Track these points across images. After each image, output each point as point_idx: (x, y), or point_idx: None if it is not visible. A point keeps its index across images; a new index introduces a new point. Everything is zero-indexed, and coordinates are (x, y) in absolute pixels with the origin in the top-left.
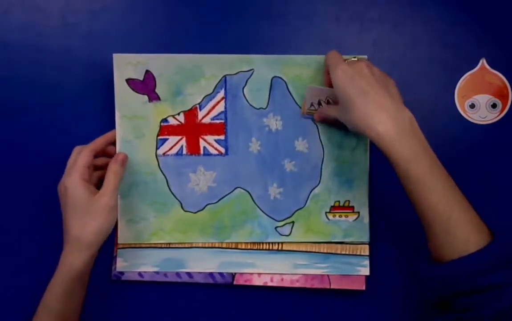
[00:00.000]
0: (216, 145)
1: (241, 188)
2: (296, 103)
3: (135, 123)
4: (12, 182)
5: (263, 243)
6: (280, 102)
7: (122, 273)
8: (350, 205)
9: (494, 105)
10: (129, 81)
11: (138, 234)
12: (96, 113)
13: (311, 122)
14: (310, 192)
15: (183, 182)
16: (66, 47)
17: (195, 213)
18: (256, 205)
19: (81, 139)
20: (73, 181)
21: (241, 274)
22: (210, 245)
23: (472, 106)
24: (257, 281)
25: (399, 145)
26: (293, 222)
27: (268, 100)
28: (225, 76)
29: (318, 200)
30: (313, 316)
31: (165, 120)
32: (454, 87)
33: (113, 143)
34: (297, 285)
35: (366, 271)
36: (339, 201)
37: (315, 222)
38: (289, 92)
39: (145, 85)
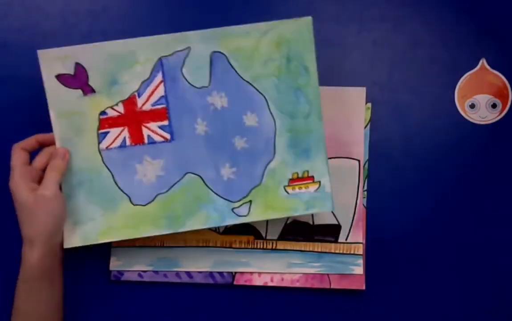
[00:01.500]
0: (160, 132)
1: (191, 173)
2: (240, 76)
3: (72, 120)
4: None
5: (257, 241)
6: (223, 78)
7: (121, 273)
8: (310, 175)
9: (494, 105)
10: (60, 77)
11: (85, 235)
12: None
13: (258, 94)
14: (265, 167)
15: (130, 174)
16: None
17: (145, 205)
18: (209, 188)
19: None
20: (14, 182)
21: (241, 274)
22: (205, 244)
23: (472, 106)
24: (257, 281)
25: None
26: (250, 201)
27: (209, 77)
28: (160, 58)
29: (275, 174)
30: (313, 316)
31: (103, 112)
32: (454, 87)
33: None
34: (297, 285)
35: (360, 270)
36: (297, 173)
37: (274, 198)
38: (231, 66)
39: (77, 79)
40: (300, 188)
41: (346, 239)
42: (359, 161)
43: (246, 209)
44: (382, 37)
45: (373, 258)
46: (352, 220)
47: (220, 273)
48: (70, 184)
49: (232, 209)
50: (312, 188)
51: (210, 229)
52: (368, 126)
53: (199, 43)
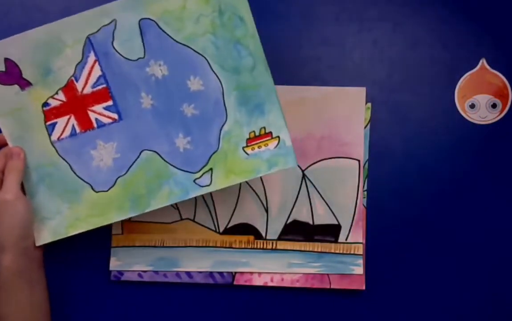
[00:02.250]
0: (107, 113)
1: (146, 149)
2: (174, 40)
3: (17, 117)
4: None
5: (257, 241)
6: (157, 45)
7: (121, 273)
8: (267, 131)
9: (494, 105)
10: None
11: (54, 230)
12: None
13: (197, 55)
14: (220, 130)
15: (87, 162)
16: None
17: (108, 191)
18: (167, 162)
19: None
20: None
21: (241, 274)
22: (205, 244)
23: (472, 106)
24: (257, 281)
25: None
26: (211, 169)
27: (143, 47)
28: (88, 37)
29: (231, 136)
30: (313, 316)
31: (46, 104)
32: (454, 87)
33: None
34: (297, 285)
35: (360, 270)
36: (254, 131)
37: (234, 162)
38: (163, 31)
39: (10, 75)
40: (259, 147)
41: (346, 239)
42: (359, 161)
43: (208, 178)
44: (382, 37)
45: (373, 258)
46: (352, 220)
47: (220, 273)
48: (31, 181)
49: (194, 180)
50: (272, 144)
51: (209, 229)
52: (368, 126)
53: (123, 13)
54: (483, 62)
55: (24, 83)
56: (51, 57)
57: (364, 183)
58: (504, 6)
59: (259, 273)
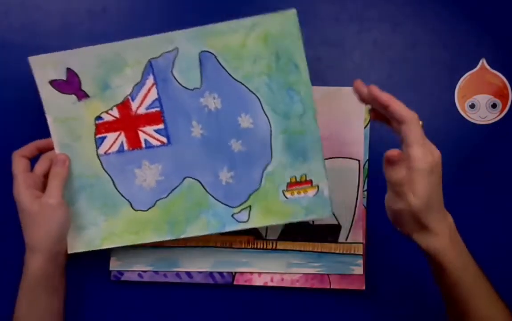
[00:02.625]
0: (156, 136)
1: (190, 177)
2: (231, 76)
3: (69, 126)
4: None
5: (257, 241)
6: (214, 78)
7: (121, 273)
8: (308, 178)
9: (494, 105)
10: (53, 83)
11: (88, 240)
12: None
13: (250, 94)
14: (263, 170)
15: (130, 179)
16: (66, 47)
17: (146, 210)
18: (208, 193)
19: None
20: (16, 189)
21: (241, 274)
22: (205, 244)
23: (472, 106)
24: (257, 281)
25: (451, 255)
26: (250, 206)
27: (201, 78)
28: (150, 60)
29: (273, 177)
30: (313, 316)
31: (99, 117)
32: (454, 87)
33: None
34: (297, 285)
35: (360, 270)
36: (295, 177)
37: (273, 203)
38: (221, 65)
39: (70, 85)
40: (298, 193)
41: (346, 239)
42: (359, 161)
43: (246, 215)
44: (382, 37)
45: (373, 258)
46: (352, 220)
47: (220, 273)
48: (71, 190)
49: (232, 215)
50: (311, 192)
51: None
52: (368, 126)
53: (186, 43)
54: (483, 62)
55: (82, 95)
56: (111, 74)
57: (364, 183)
58: (504, 6)
59: (259, 273)
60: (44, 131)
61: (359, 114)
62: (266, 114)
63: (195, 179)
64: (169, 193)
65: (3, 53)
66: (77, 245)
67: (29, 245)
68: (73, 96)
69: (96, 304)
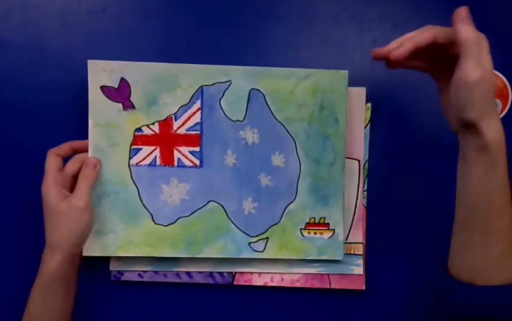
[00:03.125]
0: (190, 157)
1: (214, 201)
2: (274, 116)
3: (108, 132)
4: (11, 182)
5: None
6: (258, 115)
7: (121, 273)
8: (326, 222)
9: None
10: (104, 89)
11: (105, 246)
12: None
13: (288, 136)
14: (286, 207)
15: (156, 193)
16: (66, 47)
17: (166, 226)
18: (230, 219)
19: (80, 139)
20: (45, 186)
21: (241, 274)
22: None
23: None
24: (257, 281)
25: (504, 153)
26: (267, 238)
27: (245, 112)
28: (201, 86)
29: (294, 216)
30: (313, 316)
31: (139, 129)
32: None
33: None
34: (297, 285)
35: (360, 270)
36: (314, 218)
37: (290, 239)
38: (267, 105)
39: (120, 93)
40: (315, 233)
41: (346, 239)
42: (359, 161)
43: (262, 245)
44: (382, 37)
45: (373, 258)
46: (352, 220)
47: (220, 273)
48: (96, 193)
49: (249, 243)
50: (326, 235)
51: None
52: (368, 126)
53: (240, 78)
54: None
55: (129, 105)
56: (162, 92)
57: (364, 183)
58: (504, 6)
59: (259, 273)
60: (43, 128)
61: (359, 114)
62: (298, 157)
63: (219, 204)
64: (192, 213)
65: (3, 53)
66: (93, 249)
67: (50, 243)
68: (120, 105)
69: (96, 304)
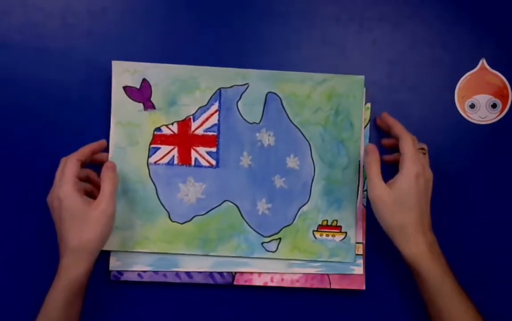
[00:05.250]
0: (207, 157)
1: (229, 201)
2: (290, 120)
3: (129, 131)
4: (11, 182)
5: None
6: (274, 118)
7: (121, 273)
8: (338, 224)
9: (494, 105)
10: (126, 89)
11: (123, 241)
12: (96, 114)
13: (303, 139)
14: (299, 209)
15: (173, 191)
16: (66, 47)
17: (182, 223)
18: (244, 219)
19: (80, 139)
20: (67, 191)
21: (241, 274)
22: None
23: (472, 106)
24: (257, 281)
25: (430, 265)
26: (280, 239)
27: (262, 115)
28: (220, 89)
29: (306, 217)
30: (313, 316)
31: (158, 129)
32: (454, 87)
33: (105, 150)
34: (297, 285)
35: (360, 270)
36: (327, 220)
37: (302, 240)
38: (283, 108)
39: (141, 93)
40: (327, 235)
41: None
42: (359, 160)
43: (275, 245)
44: (382, 37)
45: (373, 258)
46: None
47: (220, 273)
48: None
49: (262, 243)
50: (338, 237)
51: None
52: (368, 126)
53: (258, 82)
54: (483, 62)
55: (149, 105)
56: (181, 93)
57: (364, 183)
58: (504, 6)
59: (259, 273)
60: (43, 128)
61: (359, 114)
62: (313, 160)
63: (234, 204)
64: (207, 212)
65: (3, 53)
66: (111, 244)
67: (74, 249)
68: (141, 105)
69: (95, 304)
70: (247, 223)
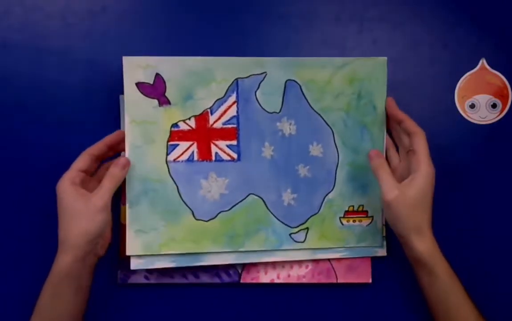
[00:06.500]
0: (228, 151)
1: (254, 194)
2: (311, 106)
3: (144, 128)
4: (11, 182)
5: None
6: (294, 106)
7: (128, 276)
8: (364, 209)
9: (494, 105)
10: (139, 85)
11: (147, 244)
12: (95, 114)
13: (326, 126)
14: (324, 197)
15: (195, 189)
16: (66, 47)
17: (207, 221)
18: (270, 211)
19: (80, 139)
20: (62, 183)
21: (248, 272)
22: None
23: (472, 106)
24: (264, 279)
25: (442, 261)
26: (307, 228)
27: (281, 104)
28: (236, 79)
29: (332, 205)
30: (320, 311)
31: (175, 125)
32: (454, 87)
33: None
34: (304, 280)
35: (383, 252)
36: (353, 206)
37: (329, 228)
38: (304, 95)
39: (155, 89)
40: (354, 221)
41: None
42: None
43: (303, 236)
44: (382, 37)
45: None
46: None
47: (227, 272)
48: (134, 191)
49: (290, 234)
50: (365, 222)
51: None
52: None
53: (276, 70)
54: (483, 62)
55: (164, 101)
56: (197, 86)
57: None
58: (504, 6)
59: (266, 271)
60: (43, 129)
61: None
62: (336, 146)
63: (259, 196)
64: (232, 207)
65: (3, 53)
66: (136, 248)
67: (62, 240)
68: (155, 101)
69: (103, 307)
70: (273, 215)
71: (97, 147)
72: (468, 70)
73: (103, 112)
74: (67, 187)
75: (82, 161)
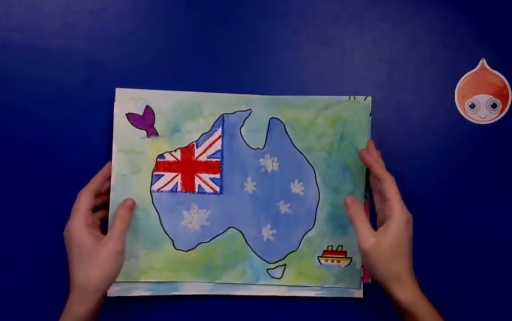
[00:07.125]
0: (211, 183)
1: (234, 228)
2: (294, 145)
3: (131, 158)
4: (11, 182)
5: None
6: (278, 143)
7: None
8: (343, 250)
9: (494, 105)
10: (129, 116)
11: (127, 271)
12: (95, 114)
13: (308, 165)
14: (304, 235)
15: (176, 219)
16: (66, 47)
17: (187, 251)
18: (249, 245)
19: (80, 139)
20: (77, 226)
21: None
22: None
23: (472, 106)
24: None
25: (424, 308)
26: (285, 265)
27: (265, 141)
28: (223, 115)
29: (311, 243)
30: None
31: (161, 156)
32: (454, 87)
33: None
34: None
35: (359, 294)
36: (332, 246)
37: (307, 266)
38: (287, 134)
39: (144, 120)
40: (332, 261)
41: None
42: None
43: (280, 272)
44: (382, 37)
45: None
46: None
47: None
48: None
49: (267, 270)
50: (344, 263)
51: None
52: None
53: (261, 107)
54: (483, 62)
55: (152, 132)
56: (185, 120)
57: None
58: (504, 6)
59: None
60: (42, 129)
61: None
62: (317, 186)
63: (239, 230)
64: (212, 239)
65: (3, 53)
66: None
67: (81, 284)
68: (143, 132)
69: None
70: (252, 249)
71: (96, 183)
72: (468, 70)
73: (103, 112)
74: (82, 228)
75: (88, 200)
